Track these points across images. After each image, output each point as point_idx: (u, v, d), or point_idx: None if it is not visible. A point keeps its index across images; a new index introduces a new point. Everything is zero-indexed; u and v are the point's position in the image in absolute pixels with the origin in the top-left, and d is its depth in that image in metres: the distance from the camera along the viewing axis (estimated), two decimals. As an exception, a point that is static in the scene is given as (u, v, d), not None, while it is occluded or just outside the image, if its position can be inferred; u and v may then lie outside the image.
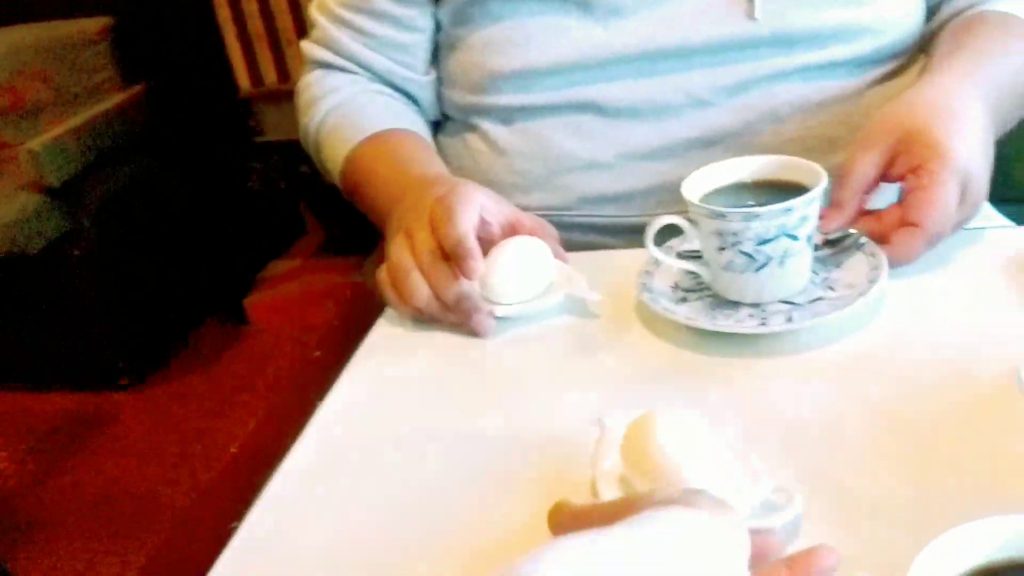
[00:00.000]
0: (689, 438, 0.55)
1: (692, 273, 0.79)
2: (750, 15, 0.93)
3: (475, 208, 0.82)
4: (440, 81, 1.08)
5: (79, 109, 2.53)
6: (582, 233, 0.99)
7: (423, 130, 1.08)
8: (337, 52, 1.09)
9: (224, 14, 2.40)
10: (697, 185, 0.75)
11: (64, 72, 2.61)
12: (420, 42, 1.06)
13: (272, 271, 2.84)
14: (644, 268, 0.80)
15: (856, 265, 0.77)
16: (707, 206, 0.72)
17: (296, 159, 2.55)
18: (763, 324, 0.72)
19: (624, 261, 0.86)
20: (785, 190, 0.73)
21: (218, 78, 2.50)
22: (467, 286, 0.79)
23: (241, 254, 2.78)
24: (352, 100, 1.08)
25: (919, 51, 1.01)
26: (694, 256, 0.78)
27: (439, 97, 1.10)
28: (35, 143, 2.30)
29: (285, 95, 2.50)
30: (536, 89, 0.99)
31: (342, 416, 0.75)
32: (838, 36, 0.94)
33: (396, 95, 1.09)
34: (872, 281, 0.73)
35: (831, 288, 0.75)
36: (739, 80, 0.95)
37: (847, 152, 0.82)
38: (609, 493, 0.57)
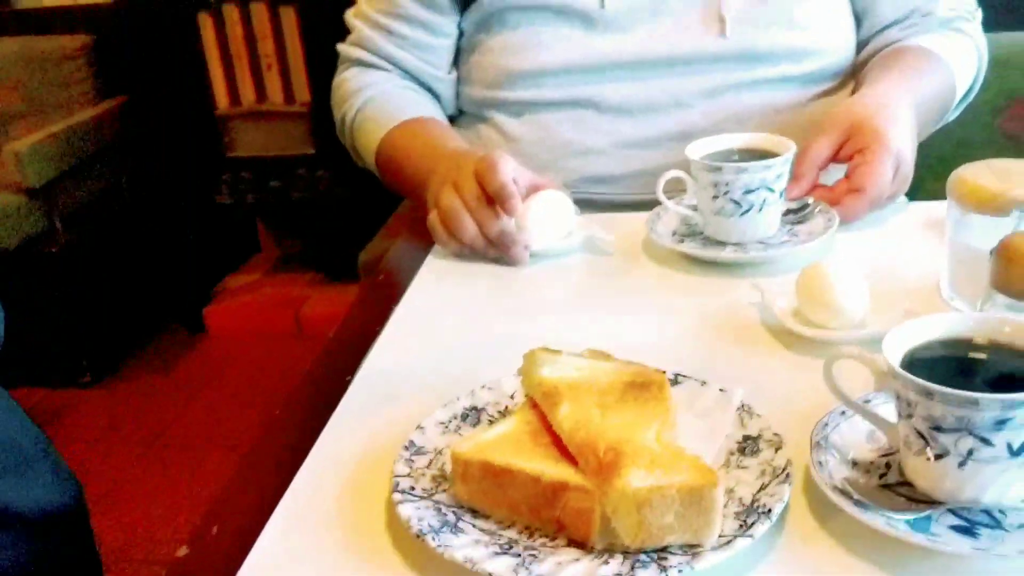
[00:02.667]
0: (848, 278, 0.79)
1: (687, 224, 1.00)
2: (722, 34, 1.16)
3: (511, 165, 1.02)
4: (459, 80, 1.29)
5: (53, 120, 2.66)
6: (581, 208, 1.20)
7: (444, 120, 1.28)
8: (372, 51, 1.28)
9: (208, 36, 2.57)
10: (697, 149, 0.97)
11: (39, 85, 2.73)
12: (446, 45, 1.26)
13: (229, 284, 2.97)
14: (651, 216, 1.01)
15: (814, 222, 0.99)
16: (707, 161, 0.94)
17: (265, 175, 2.71)
18: (745, 254, 0.94)
19: (623, 221, 1.07)
20: (764, 156, 0.96)
21: (196, 96, 2.65)
22: (507, 223, 0.99)
23: (203, 265, 2.92)
24: (385, 93, 1.26)
25: (851, 77, 1.26)
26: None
27: (456, 94, 1.30)
28: (20, 145, 2.42)
29: (261, 114, 2.68)
30: (544, 87, 1.19)
31: (413, 320, 0.93)
32: (788, 56, 1.18)
33: (421, 90, 1.29)
34: (827, 229, 0.96)
35: (795, 235, 0.98)
36: (713, 87, 1.17)
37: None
38: (791, 323, 0.80)
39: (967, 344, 0.62)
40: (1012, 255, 0.68)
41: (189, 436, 2.40)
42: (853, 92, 1.26)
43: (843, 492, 0.61)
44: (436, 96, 1.29)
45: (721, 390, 0.70)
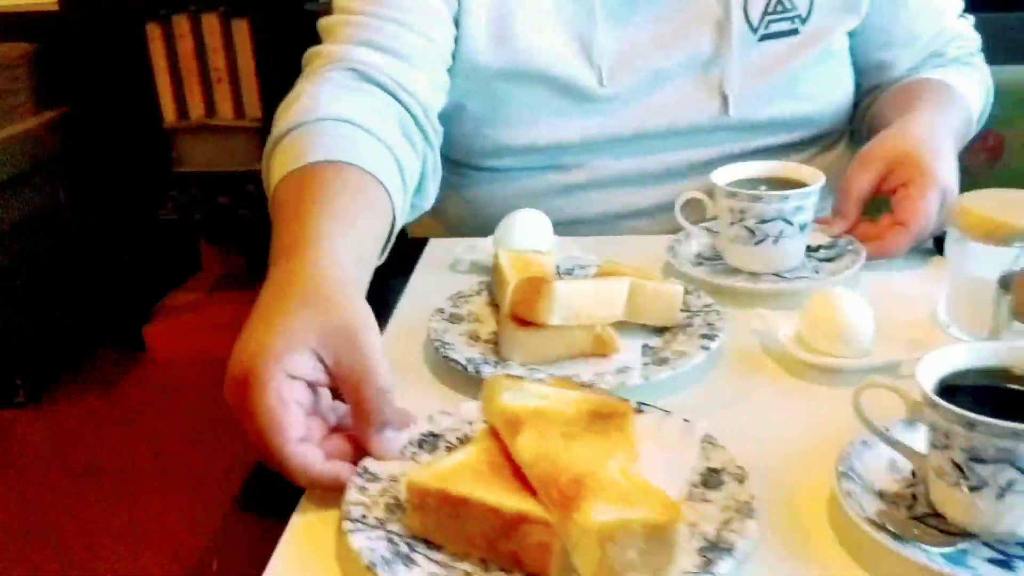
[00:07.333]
0: (855, 305, 0.79)
1: (712, 250, 1.00)
2: (724, 111, 1.13)
3: (289, 414, 0.66)
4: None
5: (-12, 130, 2.55)
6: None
7: (376, 157, 0.92)
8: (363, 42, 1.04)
9: (156, 47, 2.49)
10: (724, 175, 0.97)
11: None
12: (448, 37, 1.08)
13: (170, 302, 2.89)
14: (672, 240, 1.01)
15: (841, 262, 0.97)
16: (724, 187, 0.94)
17: (212, 191, 2.64)
18: (754, 284, 0.93)
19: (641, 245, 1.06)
20: (791, 186, 0.94)
21: (143, 108, 2.57)
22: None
23: (144, 282, 2.83)
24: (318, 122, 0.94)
25: (845, 130, 1.24)
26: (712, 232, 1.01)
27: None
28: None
29: (210, 129, 2.62)
30: (537, 160, 1.15)
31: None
32: (787, 125, 1.17)
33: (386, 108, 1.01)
34: (848, 267, 0.94)
35: (817, 272, 0.96)
36: (710, 158, 1.13)
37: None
38: (797, 352, 0.80)
39: (1004, 374, 0.62)
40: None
41: (129, 464, 2.31)
42: (855, 132, 1.25)
43: (879, 526, 0.59)
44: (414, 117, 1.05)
45: (685, 420, 0.68)
